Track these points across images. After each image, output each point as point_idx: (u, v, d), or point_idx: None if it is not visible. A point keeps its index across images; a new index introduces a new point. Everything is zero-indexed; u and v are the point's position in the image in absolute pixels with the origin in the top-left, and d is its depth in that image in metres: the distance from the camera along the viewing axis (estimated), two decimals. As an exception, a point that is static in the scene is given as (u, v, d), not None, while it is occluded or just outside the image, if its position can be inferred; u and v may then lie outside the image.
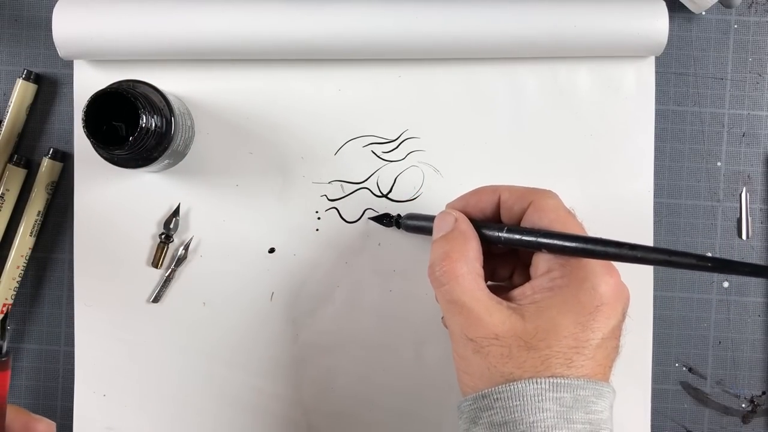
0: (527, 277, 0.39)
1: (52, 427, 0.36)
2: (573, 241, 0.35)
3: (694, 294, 0.50)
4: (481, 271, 0.38)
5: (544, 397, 0.33)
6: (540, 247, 0.36)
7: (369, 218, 0.49)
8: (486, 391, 0.35)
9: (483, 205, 0.40)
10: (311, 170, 0.49)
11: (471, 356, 0.36)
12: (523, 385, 0.34)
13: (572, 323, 0.35)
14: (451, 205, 0.42)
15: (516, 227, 0.38)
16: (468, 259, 0.37)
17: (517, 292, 0.37)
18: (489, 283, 0.39)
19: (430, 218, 0.42)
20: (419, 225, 0.46)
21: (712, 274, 0.49)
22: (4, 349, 0.34)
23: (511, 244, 0.38)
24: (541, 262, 0.37)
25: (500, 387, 0.34)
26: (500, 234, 0.38)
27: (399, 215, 0.48)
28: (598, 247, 0.34)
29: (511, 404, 0.34)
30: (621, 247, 0.34)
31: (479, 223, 0.39)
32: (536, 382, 0.34)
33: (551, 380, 0.34)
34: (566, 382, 0.34)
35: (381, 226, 0.49)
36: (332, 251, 0.49)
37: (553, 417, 0.33)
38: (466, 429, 0.36)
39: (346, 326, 0.49)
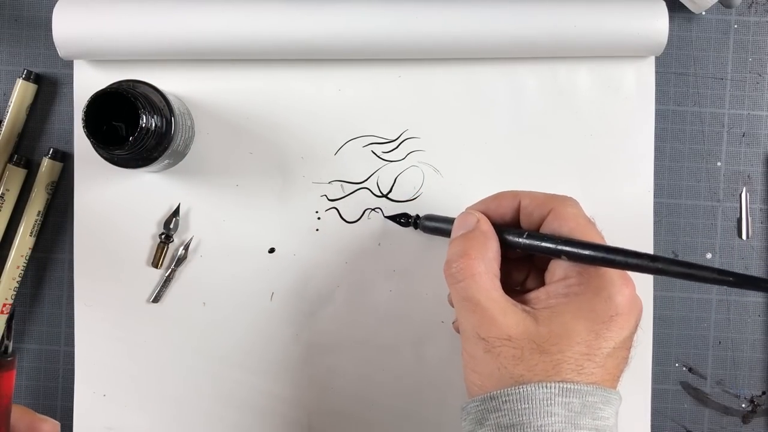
0: (541, 282, 0.39)
1: (57, 427, 0.36)
2: (594, 250, 0.35)
3: (694, 294, 0.50)
4: (498, 272, 0.38)
5: (552, 402, 0.33)
6: (560, 254, 0.36)
7: (385, 216, 0.49)
8: (494, 392, 0.35)
9: (503, 210, 0.40)
10: (311, 170, 0.49)
11: (481, 355, 0.36)
12: (533, 388, 0.34)
13: (586, 330, 0.35)
14: (471, 208, 0.42)
15: (537, 233, 0.38)
16: (486, 259, 0.37)
17: (531, 296, 0.37)
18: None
19: (450, 220, 0.42)
20: (439, 227, 0.45)
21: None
22: (10, 349, 0.34)
23: (531, 250, 0.38)
24: (558, 268, 0.37)
25: (509, 389, 0.34)
26: (520, 239, 0.38)
27: (418, 215, 0.48)
28: (619, 257, 0.34)
29: (519, 407, 0.34)
30: (641, 258, 0.34)
31: (500, 227, 0.39)
32: (546, 386, 0.34)
33: (561, 385, 0.34)
34: (576, 387, 0.34)
35: (396, 225, 0.48)
36: (332, 251, 0.49)
37: (560, 422, 0.33)
38: (471, 430, 0.36)
39: (346, 326, 0.49)
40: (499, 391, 0.34)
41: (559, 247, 0.36)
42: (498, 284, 0.37)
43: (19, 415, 0.35)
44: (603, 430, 0.34)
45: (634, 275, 0.36)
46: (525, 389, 0.34)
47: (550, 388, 0.34)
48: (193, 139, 0.49)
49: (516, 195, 0.40)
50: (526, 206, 0.39)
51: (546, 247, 0.37)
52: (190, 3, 0.46)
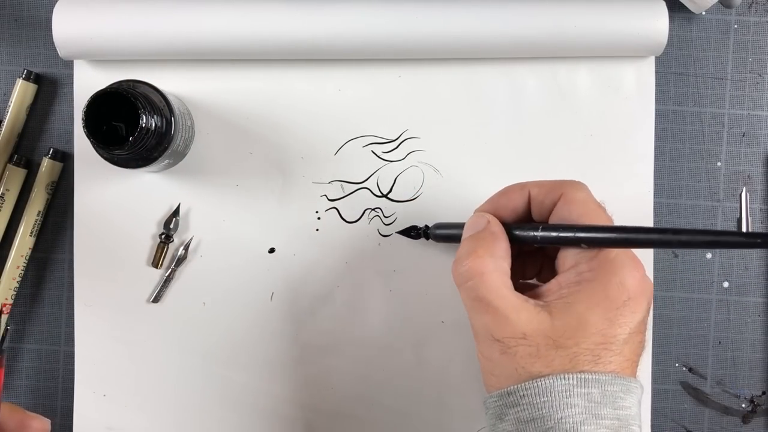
0: (555, 273, 0.38)
1: (47, 424, 0.36)
2: (614, 233, 0.35)
3: (694, 294, 0.50)
4: (508, 270, 0.37)
5: (571, 393, 0.33)
6: (579, 242, 0.36)
7: (396, 232, 0.48)
8: (512, 387, 0.35)
9: (514, 204, 0.40)
10: (311, 170, 0.49)
11: (498, 357, 0.35)
12: (551, 381, 0.33)
13: (600, 319, 0.34)
14: (481, 209, 0.41)
15: (551, 225, 0.38)
16: (496, 257, 0.37)
17: (543, 289, 0.37)
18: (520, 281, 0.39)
19: (461, 226, 0.41)
20: (450, 233, 0.45)
21: (713, 273, 0.49)
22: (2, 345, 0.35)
23: (549, 243, 0.37)
24: (568, 256, 0.37)
25: (527, 383, 0.34)
26: (536, 233, 0.37)
27: (427, 226, 0.47)
28: (641, 236, 0.34)
29: (538, 400, 0.34)
30: (664, 233, 0.34)
31: (513, 226, 0.39)
32: (564, 378, 0.33)
33: (579, 376, 0.33)
34: (594, 377, 0.33)
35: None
36: (332, 251, 0.49)
37: (581, 413, 0.33)
38: (492, 424, 0.36)
39: (346, 326, 0.49)
40: (516, 386, 0.34)
41: (578, 235, 0.36)
42: (509, 282, 0.37)
43: (8, 412, 0.35)
44: (625, 420, 0.34)
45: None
46: (543, 382, 0.34)
47: (569, 379, 0.33)
48: (193, 139, 0.49)
49: (524, 186, 0.40)
50: (536, 195, 0.39)
51: (564, 237, 0.36)
52: (190, 3, 0.46)
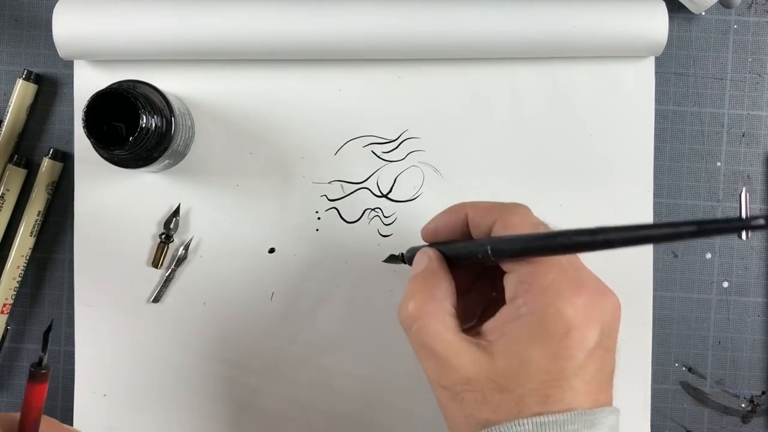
0: None
1: None
2: (524, 240, 0.32)
3: (694, 294, 0.50)
4: (451, 311, 0.35)
5: None
6: (486, 250, 0.34)
7: (382, 261, 0.46)
8: None
9: (452, 225, 0.38)
10: (311, 170, 0.49)
11: (448, 405, 0.34)
12: (505, 429, 0.31)
13: (542, 356, 0.31)
14: (425, 229, 0.40)
15: (468, 241, 0.36)
16: (436, 299, 0.35)
17: (488, 326, 0.34)
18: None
19: None
20: None
21: (713, 273, 0.49)
22: (44, 362, 0.34)
23: (468, 257, 0.36)
24: (508, 287, 0.34)
25: None
26: (460, 247, 0.36)
27: (402, 253, 0.45)
28: (550, 241, 0.31)
29: None
30: (582, 234, 0.30)
31: (444, 246, 0.38)
32: (518, 424, 0.31)
33: (535, 420, 0.31)
34: (551, 419, 0.31)
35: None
36: (332, 251, 0.49)
37: None
38: None
39: (346, 326, 0.49)
40: None
41: (486, 247, 0.34)
42: (451, 323, 0.34)
43: (46, 427, 0.36)
44: None
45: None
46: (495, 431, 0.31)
47: (523, 425, 0.31)
48: (193, 139, 0.49)
49: (463, 207, 0.38)
50: (472, 218, 0.37)
51: (474, 249, 0.34)
52: (190, 3, 0.46)
